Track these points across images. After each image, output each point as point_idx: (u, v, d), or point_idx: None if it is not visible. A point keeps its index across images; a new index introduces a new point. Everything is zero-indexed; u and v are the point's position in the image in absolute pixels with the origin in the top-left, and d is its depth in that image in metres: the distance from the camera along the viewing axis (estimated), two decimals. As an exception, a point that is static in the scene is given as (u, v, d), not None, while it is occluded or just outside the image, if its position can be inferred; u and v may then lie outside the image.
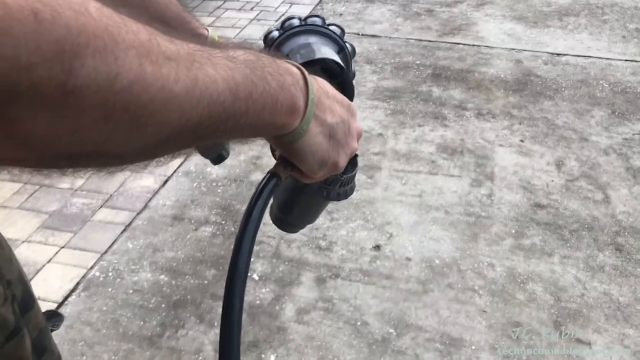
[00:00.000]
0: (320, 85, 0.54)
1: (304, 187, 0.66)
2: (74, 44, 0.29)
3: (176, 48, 0.37)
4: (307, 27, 0.68)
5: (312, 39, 0.67)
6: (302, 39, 0.67)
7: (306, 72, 0.51)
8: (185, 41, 0.39)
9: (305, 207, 0.71)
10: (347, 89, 0.66)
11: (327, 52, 0.65)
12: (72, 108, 0.30)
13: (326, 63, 0.64)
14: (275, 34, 0.69)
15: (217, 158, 0.87)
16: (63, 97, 0.30)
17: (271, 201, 0.71)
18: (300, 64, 0.63)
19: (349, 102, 0.59)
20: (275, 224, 0.73)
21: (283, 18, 0.71)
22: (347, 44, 0.70)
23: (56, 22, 0.28)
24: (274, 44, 0.68)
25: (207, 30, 0.79)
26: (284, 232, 2.36)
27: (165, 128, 0.37)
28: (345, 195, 0.67)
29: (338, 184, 0.65)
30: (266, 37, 0.70)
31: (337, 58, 0.65)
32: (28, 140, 0.31)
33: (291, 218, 0.73)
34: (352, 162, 0.67)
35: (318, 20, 0.69)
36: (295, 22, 0.68)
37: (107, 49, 0.31)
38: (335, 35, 0.69)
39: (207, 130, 0.41)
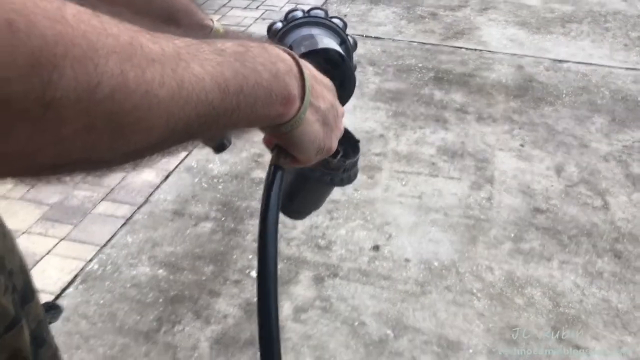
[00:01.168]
0: (310, 70, 0.53)
1: (308, 175, 0.66)
2: (50, 54, 0.27)
3: (160, 48, 0.35)
4: (310, 18, 0.69)
5: (315, 31, 0.68)
6: (305, 31, 0.68)
7: (298, 58, 0.50)
8: (171, 38, 0.38)
9: (311, 194, 0.72)
10: (348, 79, 0.66)
11: (329, 42, 0.66)
12: (51, 120, 0.29)
13: (328, 53, 0.64)
14: (279, 25, 0.69)
15: (219, 147, 0.86)
16: (41, 110, 0.28)
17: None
18: (303, 54, 0.63)
19: (331, 82, 0.58)
20: (281, 212, 0.73)
21: (287, 10, 0.72)
22: (349, 37, 0.71)
23: (32, 33, 0.27)
24: (277, 35, 0.69)
25: (213, 22, 0.80)
26: (282, 231, 2.34)
27: (152, 133, 0.35)
28: (349, 180, 0.67)
29: (341, 169, 0.65)
30: (270, 29, 0.70)
31: (339, 49, 0.66)
32: (7, 154, 0.29)
33: (296, 206, 0.73)
34: (354, 147, 0.68)
35: (321, 13, 0.70)
36: (299, 13, 0.69)
37: (86, 57, 0.29)
38: (338, 27, 0.70)
39: (198, 130, 0.40)
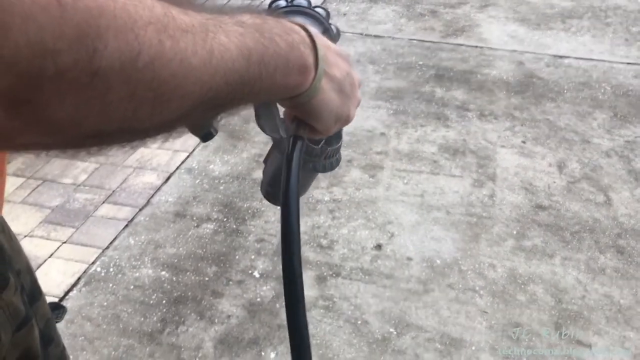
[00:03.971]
0: (323, 41, 0.54)
1: None
2: (95, 26, 0.29)
3: (190, 20, 0.37)
4: (293, 7, 0.70)
5: (298, 19, 0.69)
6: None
7: (310, 30, 0.52)
8: (196, 11, 0.40)
9: None
10: None
11: (312, 30, 0.67)
12: (97, 89, 0.31)
13: None
14: None
15: (206, 135, 0.87)
16: (88, 79, 0.30)
17: (261, 177, 0.73)
18: None
19: (346, 51, 0.59)
20: (266, 199, 0.74)
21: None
22: (332, 26, 0.72)
23: (77, 6, 0.29)
24: None
25: None
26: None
27: (187, 101, 0.37)
28: (331, 167, 0.68)
29: (323, 156, 0.67)
30: None
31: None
32: (57, 122, 0.31)
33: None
34: (337, 134, 0.69)
35: (304, 2, 0.71)
36: (282, 3, 0.70)
37: (127, 28, 0.31)
38: (321, 16, 0.71)
39: (226, 99, 0.41)
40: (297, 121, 0.56)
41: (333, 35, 0.72)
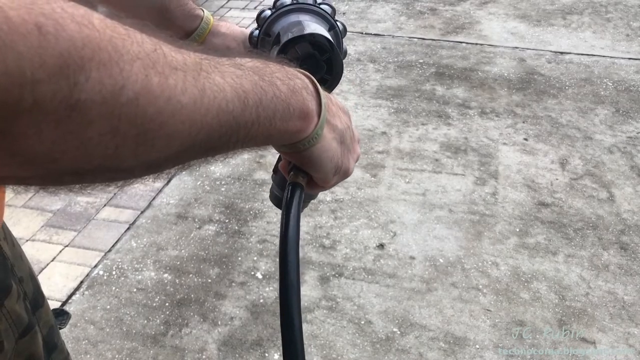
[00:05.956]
0: (325, 91, 0.53)
1: None
2: (78, 57, 0.28)
3: (182, 57, 0.36)
4: (298, 5, 0.69)
5: (303, 17, 0.68)
6: (293, 17, 0.68)
7: (313, 77, 0.51)
8: (192, 50, 0.38)
9: None
10: (335, 65, 0.66)
11: (317, 28, 0.66)
12: (77, 122, 0.29)
13: (315, 38, 0.64)
14: (268, 12, 0.70)
15: None
16: (68, 112, 0.29)
17: (271, 183, 0.73)
18: (291, 40, 0.64)
19: (346, 108, 0.59)
20: (276, 206, 0.72)
21: None
22: (338, 23, 0.71)
23: (60, 36, 0.28)
24: (266, 23, 0.69)
25: (203, 11, 0.81)
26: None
27: (174, 141, 0.36)
28: None
29: None
30: (259, 16, 0.70)
31: (326, 34, 0.66)
32: (33, 156, 0.30)
33: None
34: None
35: None
36: (287, 0, 0.69)
37: (112, 61, 0.30)
38: (326, 13, 0.70)
39: (219, 142, 0.40)
40: (295, 170, 0.54)
41: (339, 32, 0.71)
